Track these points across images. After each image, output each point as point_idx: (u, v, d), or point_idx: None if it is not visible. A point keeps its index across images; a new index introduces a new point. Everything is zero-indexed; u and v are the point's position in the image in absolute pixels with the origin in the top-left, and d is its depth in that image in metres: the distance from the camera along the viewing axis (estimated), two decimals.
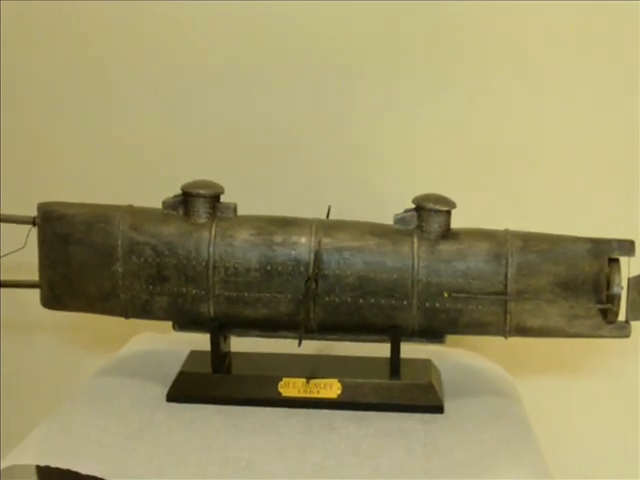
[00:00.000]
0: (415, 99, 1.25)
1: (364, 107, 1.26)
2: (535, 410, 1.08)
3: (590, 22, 1.21)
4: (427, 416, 1.00)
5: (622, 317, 0.99)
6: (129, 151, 1.31)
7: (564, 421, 1.31)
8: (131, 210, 1.04)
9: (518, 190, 1.25)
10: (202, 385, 1.03)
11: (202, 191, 1.02)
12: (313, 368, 1.05)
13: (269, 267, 1.00)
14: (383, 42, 1.24)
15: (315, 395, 1.02)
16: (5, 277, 1.09)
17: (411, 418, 1.00)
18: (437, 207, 1.00)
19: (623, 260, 0.99)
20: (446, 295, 0.98)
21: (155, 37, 1.28)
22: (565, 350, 1.25)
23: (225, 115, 1.28)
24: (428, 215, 1.00)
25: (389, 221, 1.03)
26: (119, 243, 1.02)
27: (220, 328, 1.04)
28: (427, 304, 0.99)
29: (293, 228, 1.01)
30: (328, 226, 1.02)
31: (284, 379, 1.03)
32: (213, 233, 1.01)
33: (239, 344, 1.08)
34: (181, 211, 1.03)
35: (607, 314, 0.99)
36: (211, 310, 1.02)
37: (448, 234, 1.01)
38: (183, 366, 1.07)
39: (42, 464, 0.89)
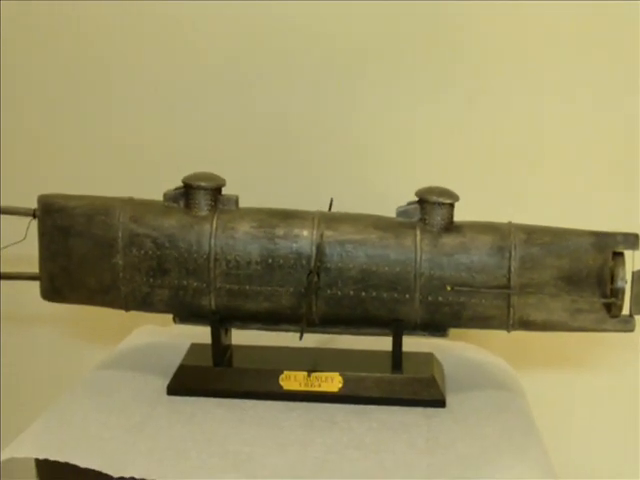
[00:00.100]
0: (415, 99, 1.25)
1: (364, 106, 1.26)
2: (538, 404, 1.08)
3: (590, 22, 1.20)
4: (429, 410, 1.00)
5: (626, 311, 0.99)
6: (130, 144, 1.31)
7: (567, 415, 1.30)
8: (132, 202, 1.03)
9: (518, 190, 1.25)
10: (203, 378, 1.03)
11: (203, 183, 1.02)
12: (314, 361, 1.05)
13: (271, 260, 1.00)
14: (383, 42, 1.24)
15: (316, 389, 1.01)
16: (5, 269, 1.09)
17: (413, 412, 0.99)
18: (440, 200, 1.00)
19: (627, 254, 0.98)
20: (449, 288, 0.98)
21: (155, 34, 1.28)
22: (568, 344, 1.25)
23: (226, 109, 1.28)
24: (431, 208, 1.00)
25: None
26: (119, 235, 1.01)
27: (221, 321, 1.03)
28: (430, 297, 0.99)
29: (295, 221, 1.01)
30: (330, 219, 1.01)
31: (285, 372, 1.02)
32: (214, 226, 1.01)
33: (240, 337, 1.08)
34: (182, 203, 1.03)
35: (611, 308, 0.98)
36: (212, 303, 1.01)
37: (451, 227, 1.00)
38: (184, 359, 1.06)
39: (41, 457, 0.89)
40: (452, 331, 1.02)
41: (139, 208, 1.03)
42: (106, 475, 0.87)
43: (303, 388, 1.02)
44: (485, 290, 0.98)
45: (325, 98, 1.26)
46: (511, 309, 0.99)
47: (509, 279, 0.98)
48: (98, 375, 1.08)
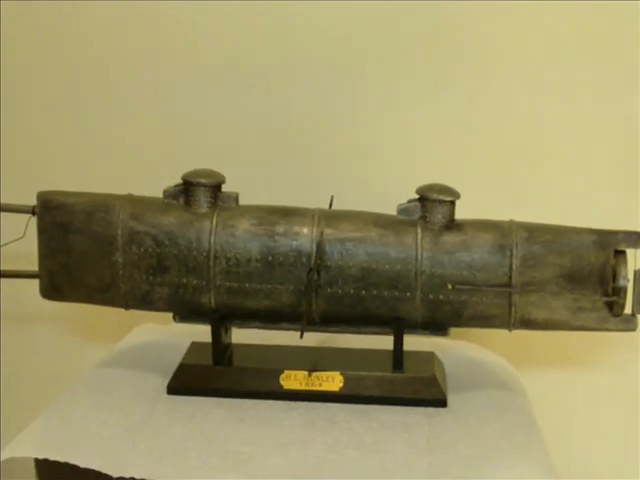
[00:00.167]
0: (415, 98, 1.25)
1: (365, 104, 1.26)
2: (539, 404, 1.07)
3: (590, 22, 1.20)
4: (430, 410, 0.99)
5: (628, 310, 0.98)
6: (130, 141, 1.31)
7: (569, 415, 1.30)
8: (131, 199, 1.03)
9: (517, 190, 1.25)
10: (203, 377, 1.03)
11: (203, 180, 1.01)
12: (315, 360, 1.05)
13: (270, 258, 0.99)
14: (384, 41, 1.24)
15: (317, 388, 1.01)
16: (5, 267, 1.09)
17: (414, 412, 0.99)
18: (441, 197, 0.99)
19: (630, 252, 0.98)
20: (450, 287, 0.97)
21: (155, 34, 1.28)
22: (570, 343, 1.25)
23: (226, 106, 1.28)
24: (432, 205, 1.00)
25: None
26: (119, 233, 1.01)
27: (221, 319, 1.03)
28: (431, 296, 0.98)
29: (295, 218, 1.00)
30: (330, 216, 1.01)
31: (286, 372, 1.02)
32: (214, 223, 1.00)
33: (240, 336, 1.08)
34: (182, 200, 1.02)
35: (613, 307, 0.98)
36: (212, 301, 1.01)
37: (452, 225, 1.00)
38: (184, 358, 1.06)
39: (40, 457, 0.88)
40: (453, 330, 1.02)
41: (139, 205, 1.02)
42: (105, 475, 0.86)
43: (304, 387, 1.01)
44: (486, 288, 0.97)
45: (325, 96, 1.26)
46: (512, 308, 0.98)
47: (510, 277, 0.97)
48: (98, 373, 1.07)
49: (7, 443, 0.92)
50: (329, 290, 0.99)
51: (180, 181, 1.02)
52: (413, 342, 1.04)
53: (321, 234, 0.99)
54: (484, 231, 0.99)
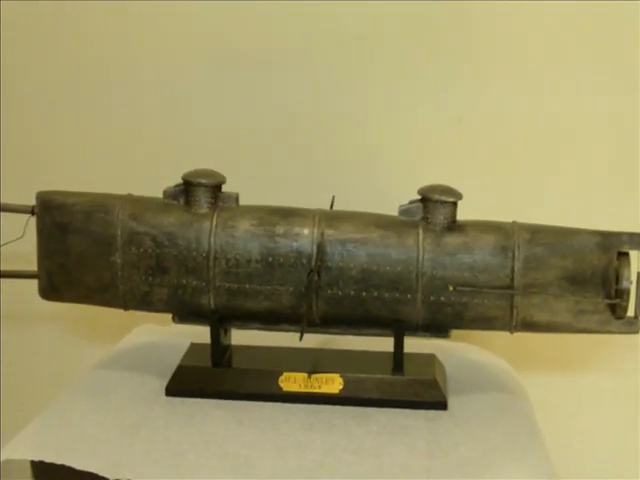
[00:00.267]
0: (417, 98, 1.25)
1: (366, 104, 1.26)
2: (541, 407, 1.07)
3: (590, 22, 1.20)
4: (431, 413, 0.99)
5: (631, 312, 0.98)
6: (130, 140, 1.31)
7: (570, 418, 1.30)
8: (131, 199, 1.03)
9: (518, 190, 1.25)
10: (202, 379, 1.02)
11: (203, 180, 1.01)
12: (315, 362, 1.04)
13: (271, 259, 0.99)
14: (385, 41, 1.24)
15: (316, 390, 1.01)
16: (4, 267, 1.09)
17: (414, 415, 0.98)
18: (443, 198, 0.99)
19: (633, 254, 0.97)
20: (451, 289, 0.97)
21: (155, 34, 1.28)
22: (572, 346, 1.25)
23: (227, 106, 1.28)
24: (434, 206, 0.99)
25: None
26: (118, 233, 1.00)
27: (220, 320, 1.02)
28: (432, 298, 0.98)
29: (295, 219, 1.00)
30: (331, 217, 1.01)
31: (285, 374, 1.01)
32: (214, 223, 1.00)
33: (240, 337, 1.07)
34: (182, 201, 1.02)
35: (616, 309, 0.97)
36: (211, 302, 1.00)
37: (454, 226, 0.99)
38: (183, 360, 1.05)
39: (36, 459, 0.88)
40: (454, 332, 1.01)
41: (138, 205, 1.02)
42: (102, 477, 0.86)
43: (303, 390, 1.01)
44: (488, 290, 0.97)
45: (326, 96, 1.26)
46: (514, 310, 0.97)
47: (512, 279, 0.97)
48: (96, 375, 1.07)
49: (7, 443, 0.92)
50: (329, 291, 0.99)
51: (180, 181, 1.02)
52: (414, 344, 1.03)
53: (322, 235, 0.98)
54: (486, 232, 0.99)
